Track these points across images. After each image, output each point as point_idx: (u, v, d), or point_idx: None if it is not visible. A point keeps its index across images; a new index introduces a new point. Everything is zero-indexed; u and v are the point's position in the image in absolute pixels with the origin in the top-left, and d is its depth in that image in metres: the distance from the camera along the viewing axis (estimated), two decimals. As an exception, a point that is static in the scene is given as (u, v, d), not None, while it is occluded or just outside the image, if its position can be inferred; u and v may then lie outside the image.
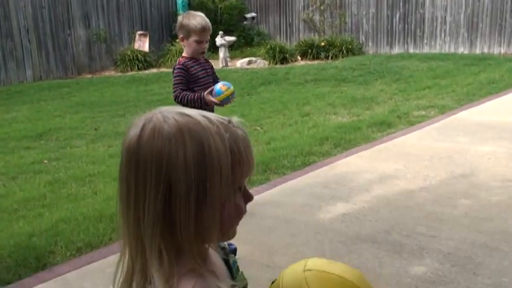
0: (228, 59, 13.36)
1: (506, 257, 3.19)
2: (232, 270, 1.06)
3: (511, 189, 4.28)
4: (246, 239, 3.58)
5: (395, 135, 6.14)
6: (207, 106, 3.54)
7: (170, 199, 0.88)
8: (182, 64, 3.66)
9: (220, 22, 15.03)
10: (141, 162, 0.89)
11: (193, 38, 3.63)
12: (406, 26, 14.43)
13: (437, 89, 8.90)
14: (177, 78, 3.64)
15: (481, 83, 9.24)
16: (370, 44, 15.01)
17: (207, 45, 3.77)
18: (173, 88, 3.66)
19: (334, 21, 15.10)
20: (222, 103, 3.60)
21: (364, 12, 14.94)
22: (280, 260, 3.26)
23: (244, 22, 15.97)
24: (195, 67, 3.69)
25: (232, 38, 13.91)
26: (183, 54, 3.76)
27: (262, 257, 3.33)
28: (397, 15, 14.52)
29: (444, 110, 7.40)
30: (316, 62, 13.41)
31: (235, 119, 0.96)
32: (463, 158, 5.14)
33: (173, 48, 13.73)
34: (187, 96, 3.56)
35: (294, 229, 3.74)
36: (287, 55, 13.50)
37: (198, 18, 3.63)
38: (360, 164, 5.12)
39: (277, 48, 13.47)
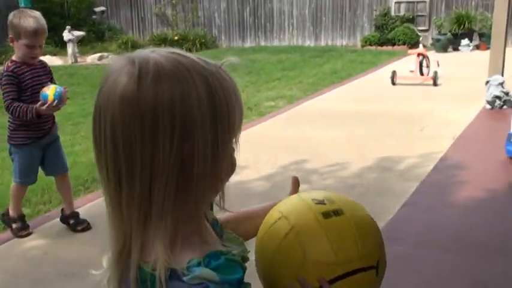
0: (78, 55, 12.80)
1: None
2: (215, 229, 0.93)
3: (340, 172, 4.64)
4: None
5: (247, 127, 6.33)
6: (39, 118, 3.33)
7: (184, 151, 0.76)
8: (11, 71, 3.29)
9: (68, 16, 14.35)
10: (149, 112, 0.74)
11: (23, 41, 3.26)
12: (257, 20, 14.90)
13: (286, 80, 9.33)
14: (7, 86, 3.28)
15: (325, 73, 9.85)
16: (223, 38, 15.28)
17: (40, 51, 3.38)
18: (3, 97, 3.29)
19: (187, 16, 15.14)
20: (58, 104, 3.31)
21: (215, 7, 15.16)
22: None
23: (94, 16, 15.39)
24: (26, 74, 3.32)
25: (81, 33, 13.34)
26: (13, 58, 3.38)
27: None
28: (247, 9, 14.94)
29: (292, 100, 7.79)
30: (170, 56, 13.36)
31: (225, 64, 0.84)
32: (307, 145, 5.46)
33: (16, 44, 12.83)
34: (20, 108, 3.25)
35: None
36: (140, 50, 13.28)
37: (30, 20, 3.23)
38: (212, 156, 5.20)
39: (130, 43, 13.22)
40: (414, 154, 4.99)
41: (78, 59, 12.71)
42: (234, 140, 0.83)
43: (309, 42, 14.55)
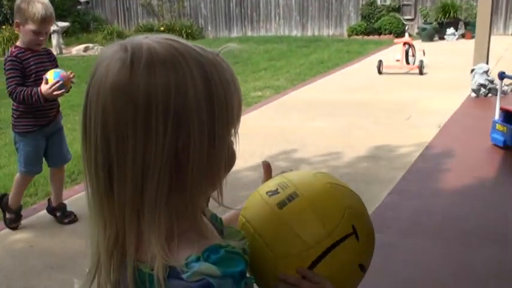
0: (63, 46, 12.67)
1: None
2: (216, 224, 0.89)
3: (329, 162, 4.66)
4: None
5: (234, 117, 6.33)
6: (46, 102, 3.22)
7: (178, 142, 0.72)
8: (15, 56, 3.21)
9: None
10: (141, 101, 0.70)
11: (30, 27, 3.17)
12: (243, 10, 14.85)
13: (272, 71, 9.32)
14: (10, 71, 3.20)
15: (311, 63, 9.85)
16: (209, 28, 15.21)
17: (46, 37, 3.31)
18: (7, 83, 3.21)
19: (173, 6, 15.04)
20: (61, 86, 3.17)
21: (201, -3, 15.08)
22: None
23: (78, 7, 15.24)
24: (30, 60, 3.24)
25: (66, 24, 13.21)
26: (17, 43, 3.31)
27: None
28: (234, 0, 14.86)
29: (279, 90, 7.79)
30: (156, 47, 13.30)
31: (223, 51, 0.80)
32: (295, 135, 5.47)
33: (0, 35, 12.69)
34: (24, 92, 3.16)
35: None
36: (126, 41, 13.21)
37: (38, 6, 3.15)
38: (200, 147, 5.20)
39: (115, 34, 13.09)
40: (401, 142, 5.01)
41: (63, 51, 12.59)
42: (233, 130, 0.80)
43: (296, 32, 14.52)
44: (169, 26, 14.03)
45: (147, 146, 0.71)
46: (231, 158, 0.81)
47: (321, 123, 5.86)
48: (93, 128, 0.73)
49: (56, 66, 3.41)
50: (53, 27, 12.36)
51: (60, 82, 3.18)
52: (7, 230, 3.58)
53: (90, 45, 12.85)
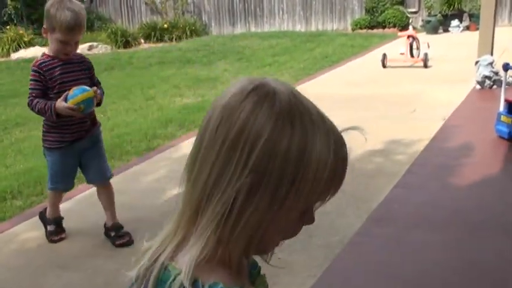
0: (67, 45, 12.72)
1: (336, 219, 3.47)
2: (251, 272, 0.88)
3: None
4: (90, 227, 3.50)
5: (238, 113, 6.33)
6: (58, 117, 2.96)
7: (249, 185, 0.72)
8: (37, 66, 2.97)
9: (56, 6, 14.20)
10: (234, 132, 0.72)
11: (56, 35, 2.91)
12: (246, 5, 14.83)
13: (277, 66, 9.31)
14: (31, 82, 3.00)
15: (315, 58, 9.83)
16: (213, 25, 15.21)
17: (75, 47, 3.03)
18: (28, 94, 3.02)
19: (176, 3, 15.04)
20: (81, 109, 2.92)
21: (204, -7, 15.06)
22: (124, 250, 3.22)
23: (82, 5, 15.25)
24: (56, 69, 2.98)
25: (70, 23, 13.23)
26: (46, 51, 3.08)
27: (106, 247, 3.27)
28: (237, -5, 14.84)
29: (283, 86, 7.77)
30: (160, 44, 13.30)
31: (346, 134, 0.81)
32: (300, 130, 5.46)
33: (4, 36, 12.74)
34: (38, 105, 2.93)
35: (139, 214, 3.71)
36: (130, 39, 13.21)
37: (67, 14, 2.84)
38: (204, 144, 5.20)
39: (119, 32, 13.11)
40: (405, 135, 5.00)
41: (68, 50, 12.63)
42: (308, 206, 0.78)
43: (300, 27, 14.49)
44: (173, 24, 14.03)
45: (221, 173, 0.73)
46: (293, 230, 0.81)
47: (326, 118, 5.84)
48: (197, 138, 0.79)
49: (92, 76, 3.17)
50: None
51: (81, 107, 2.91)
52: (14, 229, 3.61)
53: (94, 43, 12.87)
